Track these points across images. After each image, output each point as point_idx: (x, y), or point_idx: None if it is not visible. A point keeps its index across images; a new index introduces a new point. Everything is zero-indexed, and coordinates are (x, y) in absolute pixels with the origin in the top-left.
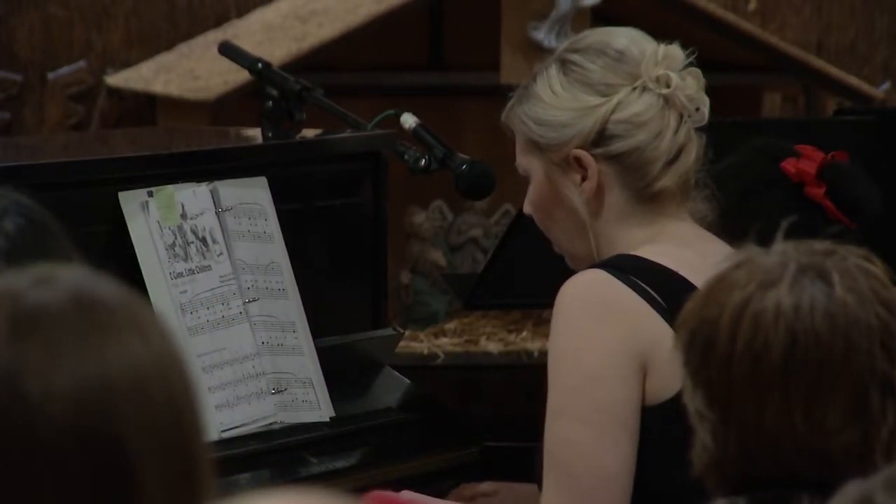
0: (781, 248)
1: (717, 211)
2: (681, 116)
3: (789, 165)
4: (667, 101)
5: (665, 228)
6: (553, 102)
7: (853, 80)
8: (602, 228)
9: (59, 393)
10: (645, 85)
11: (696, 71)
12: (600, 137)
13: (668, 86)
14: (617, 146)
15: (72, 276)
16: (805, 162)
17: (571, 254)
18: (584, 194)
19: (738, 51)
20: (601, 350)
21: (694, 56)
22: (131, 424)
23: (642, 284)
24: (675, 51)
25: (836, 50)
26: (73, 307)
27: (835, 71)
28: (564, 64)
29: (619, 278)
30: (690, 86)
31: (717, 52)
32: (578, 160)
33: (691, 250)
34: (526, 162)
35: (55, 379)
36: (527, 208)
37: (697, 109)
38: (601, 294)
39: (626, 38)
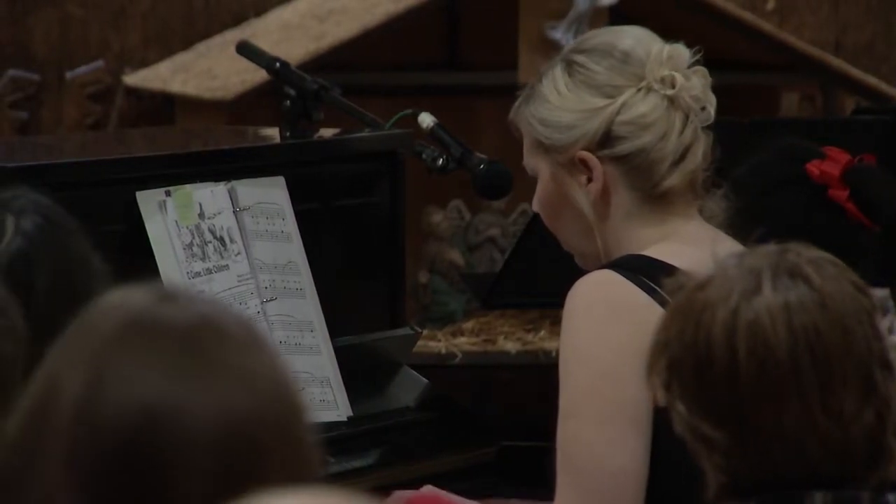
0: (736, 260)
1: (736, 209)
2: (686, 116)
3: (813, 167)
4: (672, 101)
5: (674, 228)
6: (558, 104)
7: (871, 80)
8: (609, 229)
9: (203, 422)
10: (650, 86)
11: (703, 70)
12: (606, 139)
13: (672, 86)
14: (622, 147)
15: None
16: (829, 164)
17: (579, 252)
18: (590, 196)
19: (755, 50)
20: (612, 349)
21: (700, 54)
22: (272, 457)
23: (651, 284)
24: (681, 50)
25: (853, 49)
26: (205, 331)
27: (853, 70)
28: (570, 65)
29: (628, 278)
30: (696, 85)
31: (734, 51)
32: (584, 162)
33: (700, 249)
34: (533, 162)
35: (198, 410)
36: (535, 206)
37: (703, 109)
38: (611, 294)
39: (631, 39)
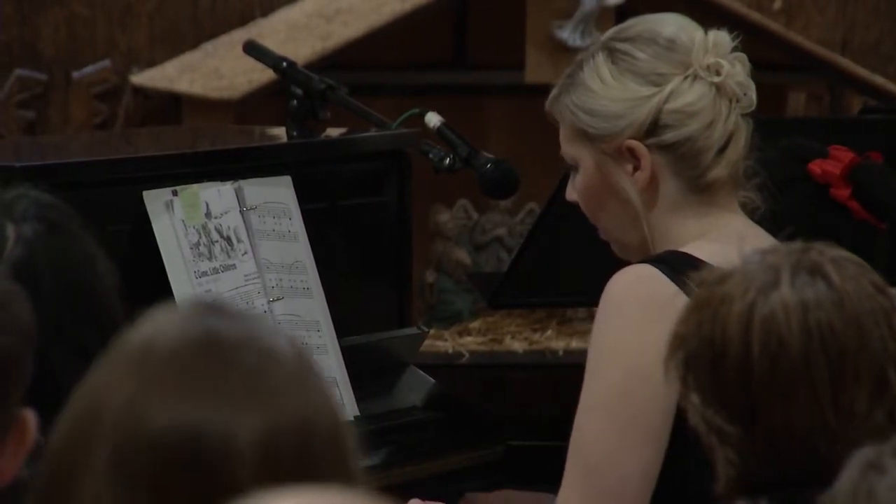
0: (758, 256)
1: (765, 207)
2: (731, 103)
3: (815, 167)
4: (718, 89)
5: (717, 222)
6: (603, 92)
7: (878, 79)
8: (655, 219)
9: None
10: (696, 73)
11: (743, 56)
12: (653, 127)
13: (718, 74)
14: (670, 136)
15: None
16: (831, 163)
17: (621, 243)
18: (637, 185)
19: (762, 50)
20: (642, 351)
21: (739, 40)
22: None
23: (690, 283)
24: (724, 37)
25: (860, 49)
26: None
27: (860, 70)
28: (613, 53)
29: (667, 275)
30: (739, 72)
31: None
32: (631, 150)
33: (741, 249)
34: (573, 151)
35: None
36: (571, 196)
37: (746, 94)
38: (649, 291)
39: (674, 26)
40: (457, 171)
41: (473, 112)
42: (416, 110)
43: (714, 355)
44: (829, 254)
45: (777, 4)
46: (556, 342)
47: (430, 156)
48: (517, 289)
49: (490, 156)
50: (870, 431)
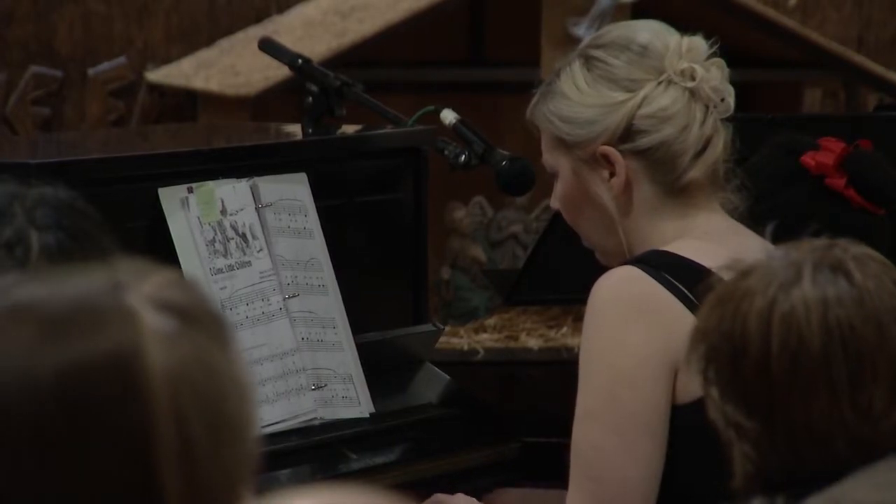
0: (782, 252)
1: (743, 207)
2: (707, 108)
3: (809, 158)
4: (692, 93)
5: (696, 222)
6: (578, 99)
7: (894, 76)
8: (633, 224)
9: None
10: (670, 78)
11: (720, 61)
12: (627, 133)
13: (692, 78)
14: (644, 141)
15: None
16: (824, 154)
17: (602, 248)
18: (612, 190)
19: (778, 47)
20: (633, 353)
21: (717, 46)
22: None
23: (674, 282)
24: (699, 42)
25: (876, 45)
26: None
27: (875, 66)
28: (588, 60)
29: (652, 275)
30: (715, 77)
31: (757, 48)
32: (606, 157)
33: (723, 245)
34: (553, 159)
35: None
36: (554, 204)
37: (722, 100)
38: (634, 293)
39: (649, 32)
40: (472, 167)
41: (489, 109)
42: (432, 107)
43: (734, 350)
44: (852, 251)
45: (792, 1)
46: (571, 339)
47: (446, 153)
48: (533, 285)
49: (506, 153)
50: (889, 431)
